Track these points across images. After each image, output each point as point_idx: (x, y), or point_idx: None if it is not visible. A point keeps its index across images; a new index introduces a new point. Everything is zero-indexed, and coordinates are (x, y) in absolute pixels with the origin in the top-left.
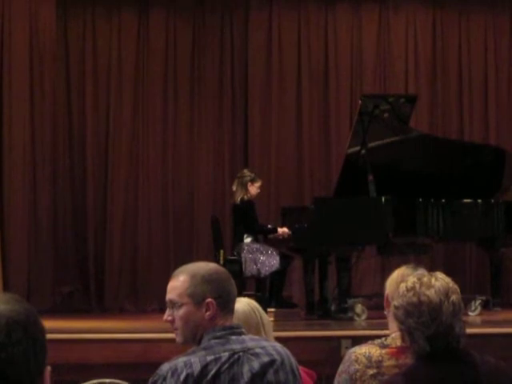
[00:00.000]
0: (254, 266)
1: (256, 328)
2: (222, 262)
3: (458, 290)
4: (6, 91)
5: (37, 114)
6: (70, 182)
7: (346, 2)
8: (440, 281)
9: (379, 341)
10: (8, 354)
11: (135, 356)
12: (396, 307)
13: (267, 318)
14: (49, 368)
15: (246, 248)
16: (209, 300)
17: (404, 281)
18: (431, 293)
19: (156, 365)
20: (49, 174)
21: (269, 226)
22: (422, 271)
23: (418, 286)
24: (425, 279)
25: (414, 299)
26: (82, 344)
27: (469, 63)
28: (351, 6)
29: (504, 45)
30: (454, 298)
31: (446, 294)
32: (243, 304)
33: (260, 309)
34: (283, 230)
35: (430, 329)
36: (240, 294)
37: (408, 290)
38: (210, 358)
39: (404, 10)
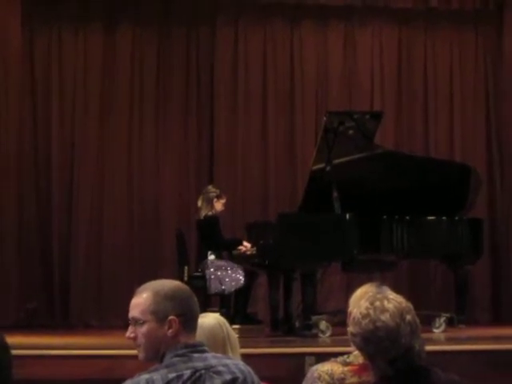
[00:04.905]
0: (219, 284)
1: (222, 343)
2: (186, 278)
3: (411, 306)
4: None
5: (2, 129)
6: (35, 198)
7: (311, 18)
8: (392, 302)
9: (342, 358)
10: None
11: (100, 372)
12: (353, 334)
13: (234, 335)
14: None
15: (210, 265)
16: (172, 317)
17: (356, 306)
18: (386, 317)
19: (121, 381)
20: (14, 190)
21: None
22: (385, 289)
23: (372, 311)
24: (377, 303)
25: (371, 326)
26: (47, 360)
27: (434, 79)
28: (317, 22)
29: (469, 61)
30: (409, 317)
31: (401, 315)
32: (210, 319)
33: (227, 324)
34: (246, 244)
35: (391, 353)
36: (204, 311)
37: (363, 317)
38: (171, 375)
39: (369, 27)
